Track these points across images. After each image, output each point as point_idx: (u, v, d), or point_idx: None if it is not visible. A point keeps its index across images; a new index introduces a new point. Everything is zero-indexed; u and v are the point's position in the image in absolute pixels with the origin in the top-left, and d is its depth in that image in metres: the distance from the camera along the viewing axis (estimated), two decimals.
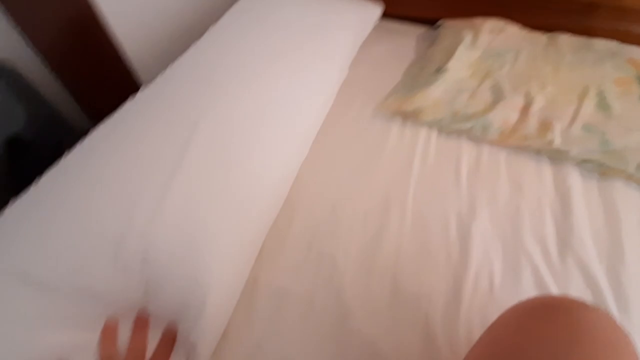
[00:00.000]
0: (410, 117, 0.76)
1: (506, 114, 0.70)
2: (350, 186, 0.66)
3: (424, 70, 0.84)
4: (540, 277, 0.53)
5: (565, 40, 0.85)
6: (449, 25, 0.94)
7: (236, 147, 0.54)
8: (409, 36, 1.01)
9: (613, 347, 0.28)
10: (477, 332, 0.38)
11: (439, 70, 0.79)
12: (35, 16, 1.01)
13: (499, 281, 0.53)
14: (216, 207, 0.48)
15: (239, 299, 0.51)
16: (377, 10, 0.96)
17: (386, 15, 1.02)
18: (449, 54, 0.82)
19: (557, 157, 0.67)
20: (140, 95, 0.63)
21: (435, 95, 0.75)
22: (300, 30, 0.76)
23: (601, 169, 0.64)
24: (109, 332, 0.43)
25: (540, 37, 0.87)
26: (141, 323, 0.45)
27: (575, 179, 0.64)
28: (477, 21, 0.91)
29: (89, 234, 0.44)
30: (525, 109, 0.71)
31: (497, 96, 0.74)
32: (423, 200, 0.63)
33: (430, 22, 1.03)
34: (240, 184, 0.51)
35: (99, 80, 1.14)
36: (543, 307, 0.33)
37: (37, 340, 0.40)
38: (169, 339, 0.45)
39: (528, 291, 0.52)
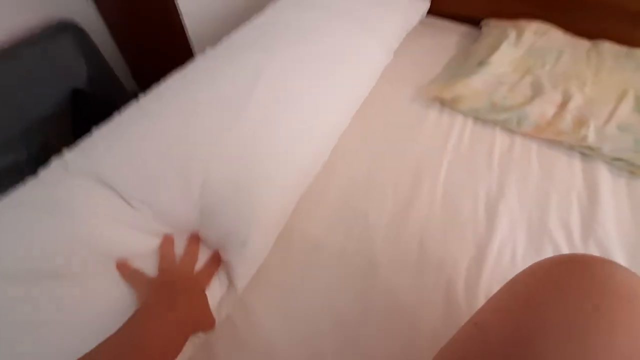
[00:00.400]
0: (448, 104, 0.80)
1: (543, 109, 0.73)
2: (385, 156, 0.70)
3: (466, 62, 0.87)
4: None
5: (608, 47, 0.87)
6: (494, 24, 0.97)
7: (293, 96, 0.60)
8: (452, 33, 1.05)
9: (638, 300, 0.28)
10: None
11: (481, 63, 0.83)
12: None
13: (521, 254, 0.56)
14: (272, 149, 0.54)
15: (276, 243, 0.56)
16: (425, 5, 1.00)
17: (432, 12, 1.06)
18: (492, 50, 0.85)
19: (589, 153, 0.69)
20: (206, 53, 0.70)
21: (475, 86, 0.79)
22: (356, 10, 0.81)
23: (631, 168, 0.66)
24: (168, 241, 0.50)
25: (584, 42, 0.89)
26: (195, 238, 0.51)
27: (604, 176, 0.67)
28: (522, 22, 0.93)
29: (162, 156, 0.51)
30: (563, 105, 0.73)
31: (536, 91, 0.77)
32: (454, 176, 0.67)
33: (474, 21, 1.07)
34: (293, 132, 0.57)
35: (155, 49, 1.22)
36: (567, 261, 0.34)
37: (106, 235, 0.47)
38: (216, 258, 0.51)
39: None
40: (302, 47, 0.70)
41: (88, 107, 1.08)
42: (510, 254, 0.56)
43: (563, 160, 0.70)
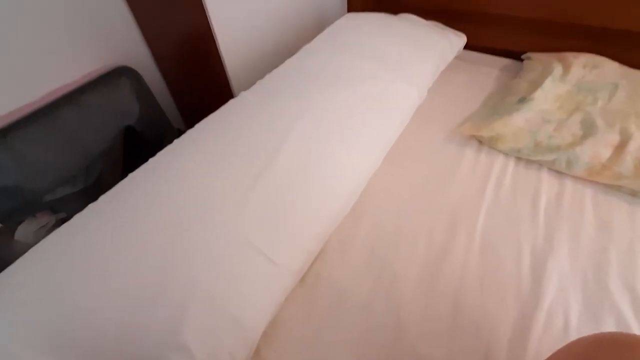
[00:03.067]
0: (487, 143, 0.75)
1: (597, 150, 0.66)
2: (417, 201, 0.67)
3: (506, 99, 0.82)
4: (626, 326, 0.48)
5: None
6: (537, 58, 0.92)
7: (325, 146, 0.60)
8: (490, 67, 1.01)
9: None
10: None
11: (523, 99, 0.78)
12: (159, 28, 1.21)
13: (575, 323, 0.49)
14: (303, 201, 0.53)
15: (301, 286, 0.55)
16: (461, 41, 0.98)
17: (469, 46, 1.03)
18: (535, 85, 0.80)
19: None
20: (241, 95, 0.73)
21: (516, 124, 0.74)
22: (387, 52, 0.81)
23: None
24: None
25: None
26: None
27: None
28: (569, 55, 0.87)
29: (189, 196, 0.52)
30: (621, 147, 0.66)
31: (588, 130, 0.70)
32: (494, 226, 0.61)
33: (514, 54, 1.02)
34: (323, 184, 0.56)
35: (200, 89, 1.31)
36: (608, 344, 0.30)
37: None
38: None
39: None
40: (334, 92, 0.71)
41: (138, 143, 1.17)
42: (563, 322, 0.49)
43: (624, 208, 0.62)
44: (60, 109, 1.06)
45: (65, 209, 1.10)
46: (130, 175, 0.60)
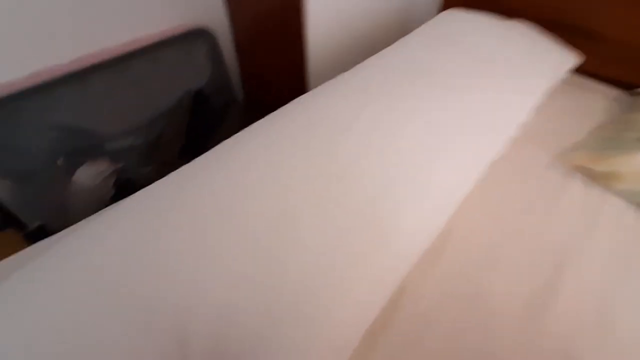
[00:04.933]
0: (599, 179, 0.67)
1: None
2: (514, 230, 0.60)
3: (622, 134, 0.73)
4: None
5: None
6: None
7: (430, 153, 0.54)
8: (597, 94, 0.91)
9: None
10: None
11: None
12: None
13: None
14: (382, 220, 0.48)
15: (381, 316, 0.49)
16: (574, 60, 0.88)
17: (579, 70, 0.93)
18: None
19: None
20: (344, 79, 0.68)
21: (638, 162, 0.65)
22: (500, 57, 0.73)
23: None
24: None
25: None
26: None
27: None
28: None
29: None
30: None
31: None
32: (609, 275, 0.54)
33: (623, 85, 0.91)
34: (406, 199, 0.50)
35: (272, 64, 1.26)
36: None
37: None
38: None
39: None
40: (443, 95, 0.64)
41: (203, 109, 1.14)
42: None
43: None
44: (136, 61, 1.05)
45: (123, 160, 1.09)
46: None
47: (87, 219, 0.55)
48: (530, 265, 0.55)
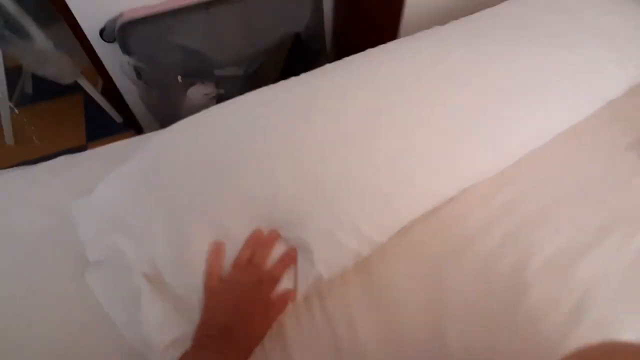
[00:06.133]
0: None
1: None
2: (572, 195, 0.63)
3: None
4: None
5: None
6: None
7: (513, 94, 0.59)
8: None
9: None
10: None
11: None
12: None
13: None
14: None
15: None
16: None
17: None
18: None
19: None
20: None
21: None
22: (606, 26, 0.72)
23: None
24: (216, 252, 0.46)
25: None
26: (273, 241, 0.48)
27: None
28: None
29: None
30: None
31: None
32: None
33: None
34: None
35: (364, 28, 1.31)
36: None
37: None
38: (291, 256, 0.47)
39: None
40: (540, 47, 0.67)
41: (298, 51, 1.27)
42: None
43: None
44: (252, 1, 1.19)
45: (226, 86, 1.28)
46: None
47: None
48: (576, 227, 0.59)
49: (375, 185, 0.51)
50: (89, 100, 1.59)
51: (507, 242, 0.57)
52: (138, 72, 1.17)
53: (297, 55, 1.25)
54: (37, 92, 1.73)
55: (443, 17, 1.09)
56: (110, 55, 1.18)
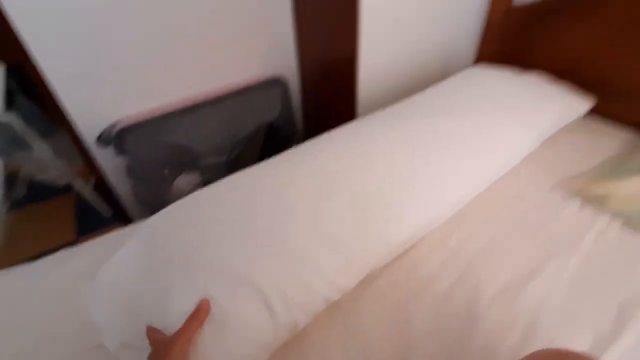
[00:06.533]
0: (594, 202, 0.79)
1: None
2: (513, 231, 0.75)
3: (622, 165, 0.85)
4: None
5: None
6: None
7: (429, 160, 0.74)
8: (613, 136, 1.03)
9: None
10: None
11: None
12: (312, 51, 1.51)
13: None
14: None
15: (394, 265, 0.68)
16: (586, 105, 1.03)
17: (596, 112, 1.07)
18: None
19: None
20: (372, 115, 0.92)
21: (630, 189, 0.77)
22: (509, 100, 0.92)
23: None
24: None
25: None
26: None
27: None
28: None
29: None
30: None
31: None
32: (586, 274, 0.66)
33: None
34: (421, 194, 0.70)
35: (328, 105, 1.56)
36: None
37: None
38: (201, 310, 0.49)
39: None
40: (457, 118, 0.85)
41: (272, 137, 1.46)
42: None
43: None
44: (229, 100, 1.41)
45: (208, 174, 1.42)
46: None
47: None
48: (518, 259, 0.69)
49: (338, 238, 0.61)
50: (79, 198, 1.69)
51: (460, 279, 0.66)
52: (130, 169, 1.31)
53: (272, 141, 1.44)
54: (29, 194, 1.82)
55: (387, 99, 1.33)
56: (104, 156, 1.32)
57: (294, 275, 0.55)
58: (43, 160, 1.40)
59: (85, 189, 1.63)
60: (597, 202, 0.79)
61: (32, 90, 1.22)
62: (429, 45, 1.42)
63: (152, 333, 0.49)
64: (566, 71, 1.16)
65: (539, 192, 0.85)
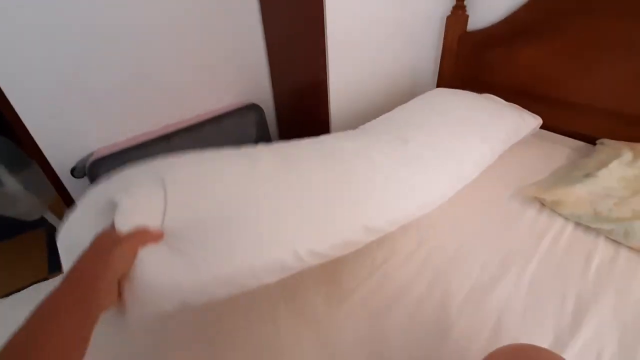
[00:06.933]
0: (549, 206, 0.86)
1: None
2: (477, 237, 0.80)
3: (573, 173, 0.93)
4: None
5: None
6: (609, 143, 1.01)
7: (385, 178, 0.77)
8: (565, 146, 1.12)
9: None
10: None
11: (589, 175, 0.88)
12: (285, 77, 1.58)
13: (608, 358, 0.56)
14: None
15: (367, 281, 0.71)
16: (536, 122, 1.11)
17: (548, 127, 1.16)
18: (603, 165, 0.90)
19: None
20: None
21: (578, 193, 0.84)
22: (463, 117, 0.99)
23: None
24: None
25: None
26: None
27: None
28: None
29: None
30: None
31: None
32: (544, 272, 0.71)
33: (589, 139, 1.12)
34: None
35: (304, 131, 1.61)
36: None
37: None
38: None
39: None
40: (415, 131, 0.91)
41: None
42: (596, 355, 0.57)
43: None
44: (206, 127, 1.44)
45: None
46: None
47: None
48: (483, 264, 0.74)
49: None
50: (52, 232, 1.64)
51: (431, 288, 0.70)
52: None
53: None
54: None
55: (358, 121, 1.40)
56: (78, 187, 1.31)
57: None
58: (13, 194, 1.36)
59: (58, 223, 1.59)
60: (551, 208, 0.85)
61: (2, 123, 1.21)
62: (394, 70, 1.51)
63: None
64: (520, 90, 1.26)
65: (500, 202, 0.91)
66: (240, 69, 1.57)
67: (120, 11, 1.17)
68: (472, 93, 1.15)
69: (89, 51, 1.16)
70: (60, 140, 1.23)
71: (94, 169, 1.23)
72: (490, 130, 0.97)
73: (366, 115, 1.48)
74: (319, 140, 0.88)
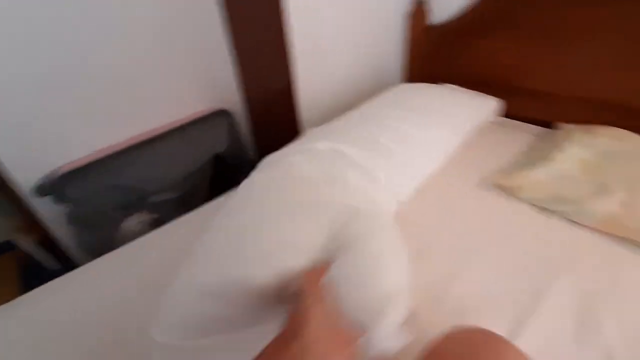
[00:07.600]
0: (509, 192, 0.88)
1: (609, 205, 0.76)
2: (440, 223, 0.82)
3: (529, 157, 0.96)
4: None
5: None
6: (566, 127, 1.05)
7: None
8: (525, 132, 1.16)
9: None
10: None
11: (545, 158, 0.90)
12: (253, 82, 1.57)
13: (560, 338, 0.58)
14: None
15: None
16: (495, 103, 1.14)
17: (510, 115, 1.20)
18: (560, 148, 0.92)
19: None
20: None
21: (535, 177, 0.86)
22: (431, 106, 1.02)
23: None
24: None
25: None
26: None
27: None
28: (597, 128, 0.99)
29: None
30: (633, 205, 0.75)
31: (602, 189, 0.80)
32: (505, 251, 0.73)
33: (549, 125, 1.16)
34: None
35: (274, 131, 1.61)
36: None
37: None
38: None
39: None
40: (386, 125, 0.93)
41: (223, 167, 1.47)
42: (552, 333, 0.58)
43: (629, 258, 0.69)
44: (176, 135, 1.42)
45: (160, 210, 1.40)
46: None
47: None
48: (448, 254, 0.75)
49: None
50: (21, 255, 1.58)
51: None
52: (73, 217, 1.26)
53: (222, 172, 1.46)
54: None
55: (328, 120, 1.41)
56: (45, 207, 1.27)
57: None
58: None
59: (27, 245, 1.53)
60: (512, 193, 0.87)
61: None
62: (360, 68, 1.53)
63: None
64: (481, 80, 1.29)
65: (464, 189, 0.93)
66: (207, 74, 1.55)
67: (84, 23, 1.14)
68: (431, 85, 1.17)
69: (52, 67, 1.13)
70: (25, 159, 1.20)
71: (60, 185, 1.19)
72: (452, 115, 1.00)
73: (336, 113, 1.48)
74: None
